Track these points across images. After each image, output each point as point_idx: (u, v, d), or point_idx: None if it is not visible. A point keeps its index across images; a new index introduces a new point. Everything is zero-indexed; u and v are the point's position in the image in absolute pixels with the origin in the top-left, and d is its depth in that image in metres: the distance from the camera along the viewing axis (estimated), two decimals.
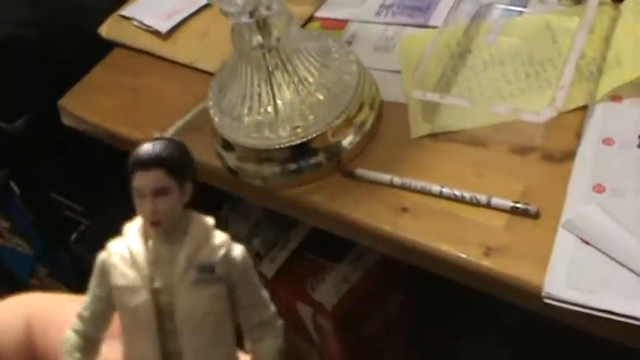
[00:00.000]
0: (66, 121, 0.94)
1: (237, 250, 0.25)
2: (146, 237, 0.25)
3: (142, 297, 0.25)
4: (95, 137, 0.92)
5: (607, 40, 0.74)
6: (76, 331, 0.26)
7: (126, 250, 0.25)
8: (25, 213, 1.28)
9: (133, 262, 0.25)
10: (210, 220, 0.26)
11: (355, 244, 1.00)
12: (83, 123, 0.91)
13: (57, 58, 1.14)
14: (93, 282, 0.26)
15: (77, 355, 0.26)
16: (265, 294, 0.26)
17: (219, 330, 0.25)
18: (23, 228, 1.27)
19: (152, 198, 0.24)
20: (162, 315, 0.25)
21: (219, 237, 0.25)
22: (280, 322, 0.27)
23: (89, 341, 0.26)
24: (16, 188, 1.24)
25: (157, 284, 0.25)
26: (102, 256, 0.25)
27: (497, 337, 1.23)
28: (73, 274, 1.40)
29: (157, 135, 0.26)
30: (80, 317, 0.26)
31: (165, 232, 0.25)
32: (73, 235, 1.33)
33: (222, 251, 0.25)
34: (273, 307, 0.26)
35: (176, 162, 0.24)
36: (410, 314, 1.13)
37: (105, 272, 0.25)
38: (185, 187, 0.25)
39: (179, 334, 0.25)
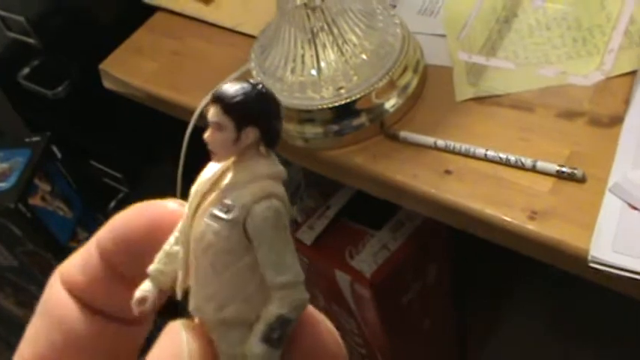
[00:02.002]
0: (107, 84, 0.94)
1: (262, 206, 0.25)
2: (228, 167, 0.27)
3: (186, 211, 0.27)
4: (136, 100, 0.92)
5: None
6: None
7: (209, 170, 0.27)
8: (66, 177, 1.29)
9: (201, 181, 0.27)
10: (267, 169, 0.26)
11: (394, 212, 1.00)
12: (125, 86, 0.92)
13: (97, 24, 1.15)
14: None
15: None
16: (288, 260, 0.26)
17: (219, 266, 0.26)
18: (64, 191, 1.28)
19: (211, 130, 0.25)
20: None
21: (260, 188, 0.25)
22: (298, 296, 0.26)
23: None
24: (57, 152, 1.26)
25: (197, 205, 0.27)
26: None
27: (540, 298, 1.23)
28: None
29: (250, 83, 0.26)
30: None
31: (235, 166, 0.26)
32: (112, 203, 1.34)
33: (246, 199, 0.25)
34: (293, 277, 0.25)
35: (235, 104, 0.25)
36: (448, 281, 1.12)
37: None
38: (245, 130, 0.25)
39: (191, 251, 0.26)
